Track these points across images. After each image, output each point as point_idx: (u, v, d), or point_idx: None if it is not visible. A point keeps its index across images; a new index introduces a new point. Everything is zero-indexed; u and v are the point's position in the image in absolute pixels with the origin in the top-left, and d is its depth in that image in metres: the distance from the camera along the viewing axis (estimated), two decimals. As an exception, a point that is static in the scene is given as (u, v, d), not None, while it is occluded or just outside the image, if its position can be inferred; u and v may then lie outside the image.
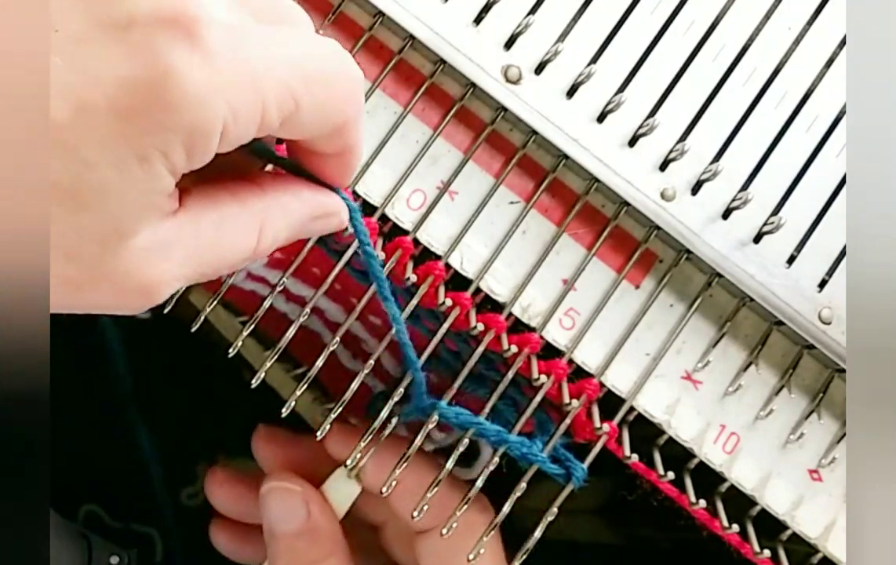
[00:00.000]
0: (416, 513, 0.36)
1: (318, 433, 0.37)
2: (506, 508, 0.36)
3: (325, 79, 0.28)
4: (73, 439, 0.51)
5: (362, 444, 0.37)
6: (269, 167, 0.32)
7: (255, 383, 0.37)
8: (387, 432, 0.37)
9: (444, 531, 0.36)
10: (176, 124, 0.24)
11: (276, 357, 0.36)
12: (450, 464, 0.36)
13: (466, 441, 0.36)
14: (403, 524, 0.39)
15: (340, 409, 0.36)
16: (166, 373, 0.52)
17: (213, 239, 0.28)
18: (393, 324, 0.34)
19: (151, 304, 0.27)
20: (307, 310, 0.37)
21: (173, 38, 0.24)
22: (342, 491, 0.40)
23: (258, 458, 0.44)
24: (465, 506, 0.36)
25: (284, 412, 0.37)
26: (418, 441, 0.36)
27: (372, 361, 0.36)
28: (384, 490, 0.37)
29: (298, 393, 0.36)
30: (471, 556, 0.36)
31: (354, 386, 0.36)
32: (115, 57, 0.24)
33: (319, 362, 0.36)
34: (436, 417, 0.36)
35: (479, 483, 0.36)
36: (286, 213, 0.30)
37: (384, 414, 0.36)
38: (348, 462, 0.38)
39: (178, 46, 0.24)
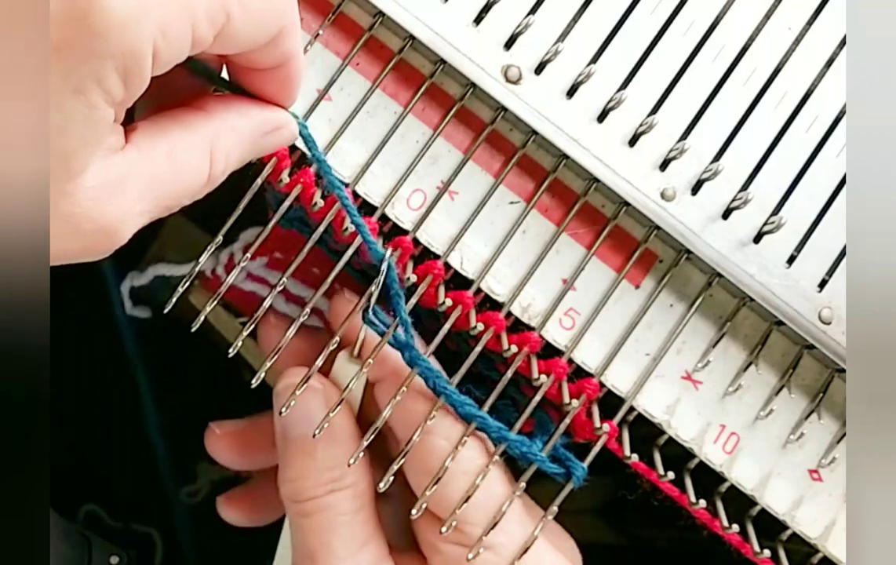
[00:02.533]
0: (382, 484, 0.35)
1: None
2: (506, 508, 0.36)
3: None
4: (73, 439, 0.51)
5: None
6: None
7: (255, 383, 0.37)
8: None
9: (444, 530, 0.36)
10: (105, 50, 0.24)
11: (275, 357, 0.36)
12: (449, 462, 0.36)
13: (466, 440, 0.36)
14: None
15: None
16: (167, 372, 0.52)
17: (166, 169, 0.28)
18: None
19: (115, 245, 0.27)
20: (307, 310, 0.37)
21: None
22: (350, 373, 0.37)
23: (218, 458, 0.42)
24: (464, 505, 0.36)
25: (254, 383, 0.36)
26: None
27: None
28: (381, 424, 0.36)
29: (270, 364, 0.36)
30: (470, 556, 0.36)
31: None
32: None
33: (319, 361, 0.36)
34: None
35: (480, 482, 0.36)
36: (235, 133, 0.30)
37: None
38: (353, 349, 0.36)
39: None
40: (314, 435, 0.36)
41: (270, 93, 0.31)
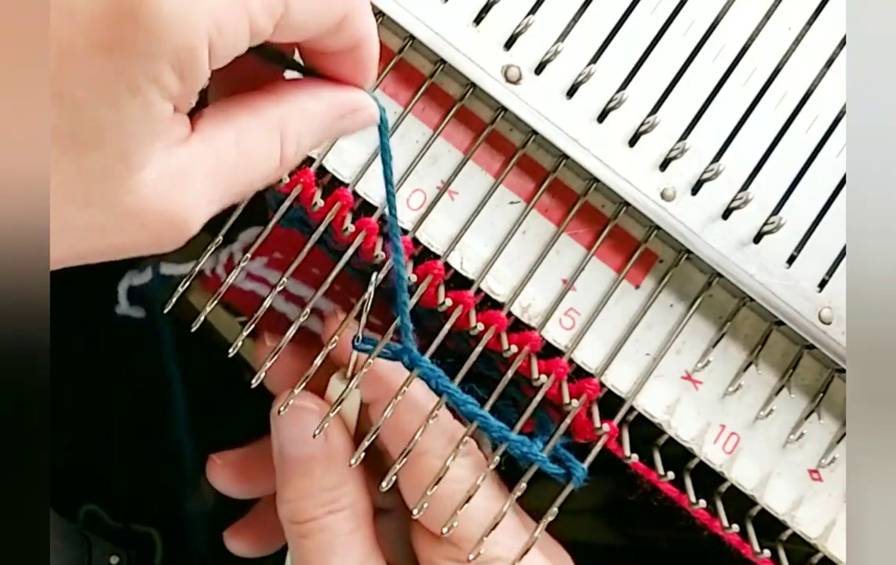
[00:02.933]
0: (385, 483, 0.35)
1: (281, 409, 0.36)
2: (506, 508, 0.36)
3: None
4: (73, 439, 0.51)
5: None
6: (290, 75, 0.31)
7: (255, 383, 0.37)
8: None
9: (445, 530, 0.36)
10: (159, 48, 0.24)
11: (275, 357, 0.36)
12: (450, 462, 0.36)
13: (467, 439, 0.36)
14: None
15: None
16: (167, 372, 0.52)
17: (233, 156, 0.27)
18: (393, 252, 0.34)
19: (185, 235, 0.27)
20: (307, 310, 0.37)
21: None
22: (345, 399, 0.37)
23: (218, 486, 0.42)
24: (465, 505, 0.36)
25: (254, 383, 0.36)
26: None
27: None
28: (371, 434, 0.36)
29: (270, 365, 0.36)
30: (471, 556, 0.36)
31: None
32: None
33: (319, 361, 0.36)
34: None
35: (480, 482, 0.36)
36: (307, 116, 0.29)
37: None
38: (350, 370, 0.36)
39: None
40: (314, 435, 0.36)
41: (344, 75, 0.30)
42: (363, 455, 0.37)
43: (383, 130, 0.32)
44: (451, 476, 0.36)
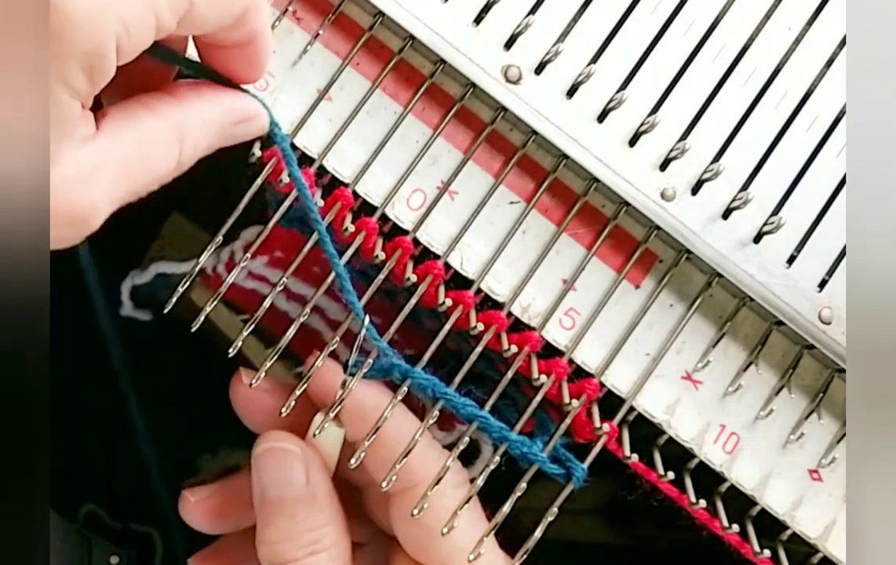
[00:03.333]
0: (385, 484, 0.36)
1: (284, 409, 0.36)
2: (506, 508, 0.36)
3: None
4: (73, 439, 0.51)
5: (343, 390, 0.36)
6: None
7: (255, 383, 0.37)
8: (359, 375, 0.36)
9: (445, 530, 0.36)
10: (68, 50, 0.25)
11: (276, 356, 0.36)
12: (450, 462, 0.36)
13: (467, 439, 0.36)
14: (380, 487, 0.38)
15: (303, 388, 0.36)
16: (167, 372, 0.52)
17: (135, 155, 0.28)
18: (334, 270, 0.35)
19: (87, 232, 0.28)
20: (308, 309, 0.37)
21: None
22: (329, 436, 0.37)
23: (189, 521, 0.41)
24: (465, 505, 0.36)
25: (254, 383, 0.37)
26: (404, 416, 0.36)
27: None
28: (353, 461, 0.36)
29: (298, 392, 0.36)
30: (471, 557, 0.36)
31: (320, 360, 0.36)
32: None
33: (319, 362, 0.36)
34: (374, 358, 0.36)
35: (480, 482, 0.36)
36: (205, 121, 0.30)
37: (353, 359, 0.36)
38: (331, 409, 0.36)
39: None
40: (280, 414, 0.36)
41: (236, 70, 0.31)
42: (339, 493, 0.38)
43: (275, 134, 0.34)
44: (440, 505, 0.36)
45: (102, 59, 0.26)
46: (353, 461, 0.36)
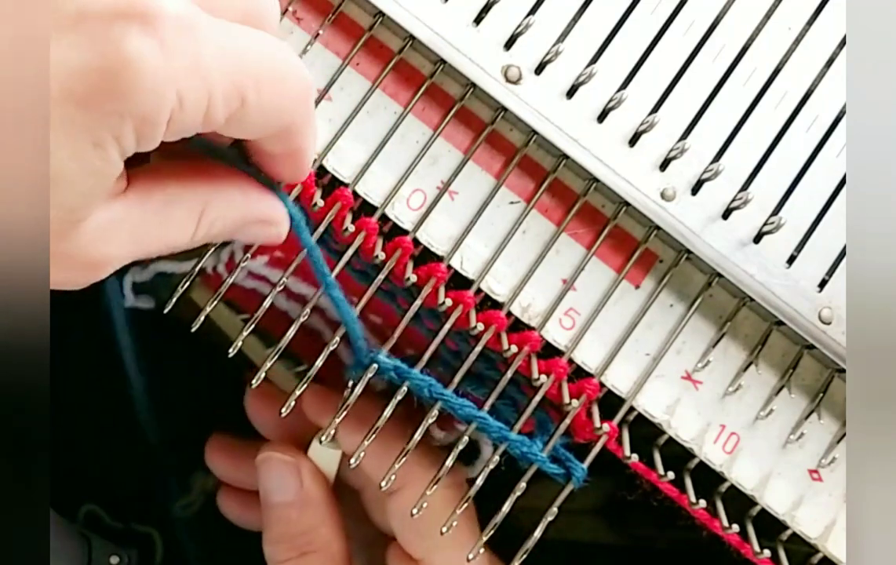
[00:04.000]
0: (384, 483, 0.36)
1: (283, 409, 0.37)
2: (506, 508, 0.36)
3: (274, 78, 0.28)
4: (73, 439, 0.51)
5: (338, 419, 0.37)
6: None
7: (255, 383, 0.37)
8: (354, 396, 0.36)
9: (444, 529, 0.36)
10: (129, 110, 0.25)
11: (276, 356, 0.36)
12: (449, 462, 0.36)
13: (466, 438, 0.36)
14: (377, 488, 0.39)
15: (306, 385, 0.36)
16: (167, 372, 0.52)
17: (157, 219, 0.29)
18: (321, 281, 0.35)
19: (96, 278, 0.28)
20: (308, 309, 0.37)
21: (127, 26, 0.25)
22: (325, 455, 0.41)
23: (214, 469, 0.46)
24: (465, 504, 0.36)
25: (254, 383, 0.37)
26: (387, 411, 0.36)
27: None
28: (353, 461, 0.37)
29: (298, 392, 0.36)
30: (470, 556, 0.36)
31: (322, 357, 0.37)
32: (68, 48, 0.24)
33: (320, 362, 0.36)
34: (374, 367, 0.36)
35: (480, 481, 0.36)
36: (228, 205, 0.30)
37: (359, 387, 0.36)
38: (321, 434, 0.38)
39: (132, 35, 0.25)
40: (280, 414, 0.37)
41: (273, 172, 0.32)
42: (336, 498, 0.41)
43: (303, 237, 0.34)
44: (434, 505, 0.36)
45: (154, 129, 0.26)
46: (352, 461, 0.37)
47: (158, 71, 0.25)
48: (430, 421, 0.36)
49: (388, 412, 0.36)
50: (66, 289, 0.28)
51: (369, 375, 0.36)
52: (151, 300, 0.49)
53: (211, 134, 0.29)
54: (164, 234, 0.29)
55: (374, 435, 0.36)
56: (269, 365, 0.36)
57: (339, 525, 0.41)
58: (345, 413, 0.36)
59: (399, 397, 0.36)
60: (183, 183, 0.29)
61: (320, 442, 0.40)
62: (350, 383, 0.36)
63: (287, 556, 0.40)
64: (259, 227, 0.32)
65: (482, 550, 0.37)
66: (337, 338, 0.36)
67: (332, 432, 0.37)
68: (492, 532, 0.36)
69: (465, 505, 0.36)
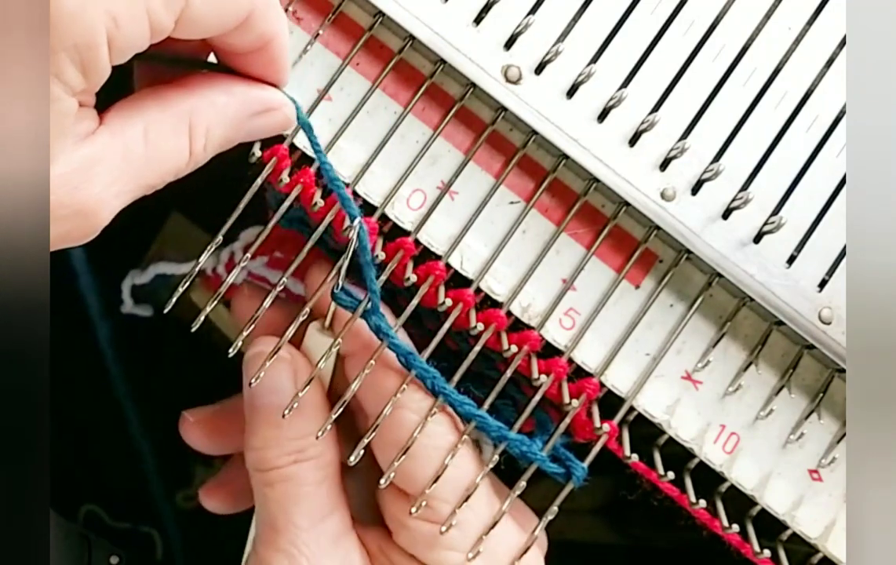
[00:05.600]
0: (383, 481, 0.36)
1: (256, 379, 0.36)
2: (505, 507, 0.36)
3: None
4: (73, 439, 0.51)
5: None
6: None
7: (255, 383, 0.37)
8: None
9: (444, 529, 0.36)
10: (57, 43, 0.25)
11: (251, 328, 0.36)
12: (418, 436, 0.36)
13: (436, 414, 0.36)
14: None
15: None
16: (167, 372, 0.52)
17: (140, 149, 0.28)
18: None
19: (96, 228, 0.28)
20: (308, 308, 0.37)
21: None
22: (321, 347, 0.37)
23: (191, 443, 0.42)
24: (463, 504, 0.36)
25: (231, 352, 0.36)
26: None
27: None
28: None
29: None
30: (470, 555, 0.36)
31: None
32: None
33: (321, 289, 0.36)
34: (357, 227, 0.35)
35: (479, 480, 0.36)
36: (217, 110, 0.30)
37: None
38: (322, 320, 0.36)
39: None
40: (283, 416, 0.36)
41: (256, 75, 0.31)
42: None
43: (307, 133, 0.33)
44: (427, 434, 0.35)
45: (93, 53, 0.26)
46: (383, 482, 0.36)
47: None
48: (402, 389, 0.36)
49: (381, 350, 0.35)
50: (70, 245, 0.28)
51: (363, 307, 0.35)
52: (150, 308, 0.49)
53: (170, 43, 0.28)
54: (158, 161, 0.29)
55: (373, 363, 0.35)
56: (268, 365, 0.36)
57: (333, 432, 0.37)
58: (343, 269, 0.35)
59: (377, 355, 0.36)
60: (160, 101, 0.29)
61: (320, 324, 0.37)
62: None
63: (276, 464, 0.36)
64: (262, 119, 0.31)
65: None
66: (307, 310, 0.36)
67: (331, 318, 0.36)
68: (491, 531, 0.36)
69: (484, 474, 0.36)
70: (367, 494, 0.39)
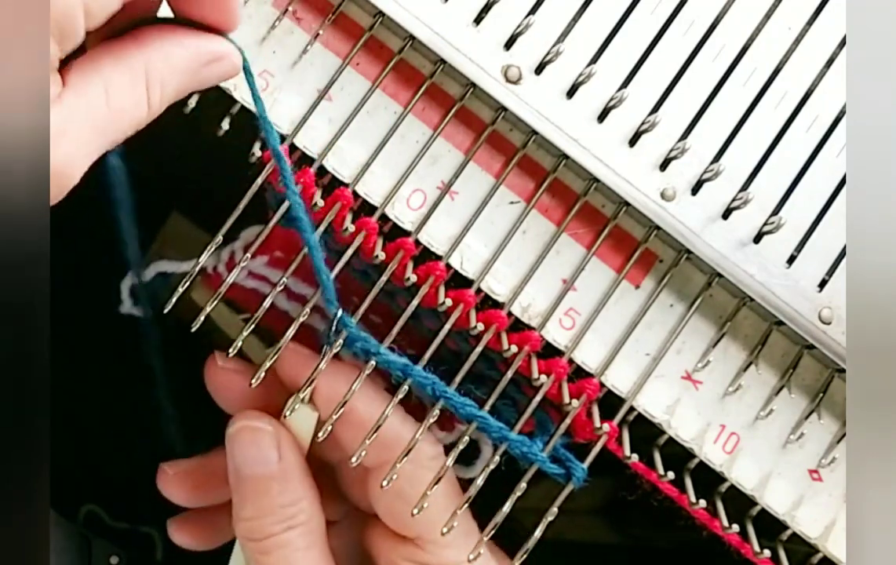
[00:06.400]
0: (354, 459, 0.36)
1: (253, 381, 0.36)
2: (506, 508, 0.36)
3: None
4: (73, 438, 0.51)
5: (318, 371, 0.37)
6: None
7: (254, 383, 0.37)
8: (331, 353, 0.36)
9: (445, 530, 0.36)
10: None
11: (276, 355, 0.36)
12: (450, 462, 0.36)
13: (467, 438, 0.36)
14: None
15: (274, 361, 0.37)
16: (167, 372, 0.52)
17: (103, 105, 0.29)
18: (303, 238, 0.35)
19: (66, 188, 0.28)
20: (308, 308, 0.37)
21: None
22: (302, 421, 0.38)
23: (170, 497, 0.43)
24: (465, 505, 0.36)
25: (254, 383, 0.37)
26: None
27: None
28: (321, 435, 0.36)
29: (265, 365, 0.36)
30: (471, 556, 0.36)
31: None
32: None
33: (291, 331, 0.36)
34: (344, 333, 0.36)
35: (480, 481, 0.36)
36: (170, 62, 0.30)
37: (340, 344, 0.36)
38: (299, 393, 0.37)
39: None
40: (251, 384, 0.36)
41: (206, 19, 0.31)
42: (312, 472, 0.38)
43: (249, 78, 0.33)
44: (416, 478, 0.36)
45: (70, 24, 0.26)
46: (321, 434, 0.37)
47: None
48: (432, 419, 0.36)
49: (389, 409, 0.36)
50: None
51: (340, 342, 0.36)
52: (149, 310, 0.49)
53: None
54: (119, 115, 0.29)
55: (343, 408, 0.36)
56: (267, 364, 0.36)
57: (318, 500, 0.39)
58: (325, 363, 0.36)
59: (401, 395, 0.36)
60: (116, 58, 0.29)
61: (289, 414, 0.38)
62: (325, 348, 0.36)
63: (270, 532, 0.38)
64: (212, 68, 0.32)
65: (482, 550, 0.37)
66: (339, 341, 0.36)
67: (310, 393, 0.37)
68: (492, 532, 0.36)
69: (467, 504, 0.36)
70: (350, 550, 0.41)
